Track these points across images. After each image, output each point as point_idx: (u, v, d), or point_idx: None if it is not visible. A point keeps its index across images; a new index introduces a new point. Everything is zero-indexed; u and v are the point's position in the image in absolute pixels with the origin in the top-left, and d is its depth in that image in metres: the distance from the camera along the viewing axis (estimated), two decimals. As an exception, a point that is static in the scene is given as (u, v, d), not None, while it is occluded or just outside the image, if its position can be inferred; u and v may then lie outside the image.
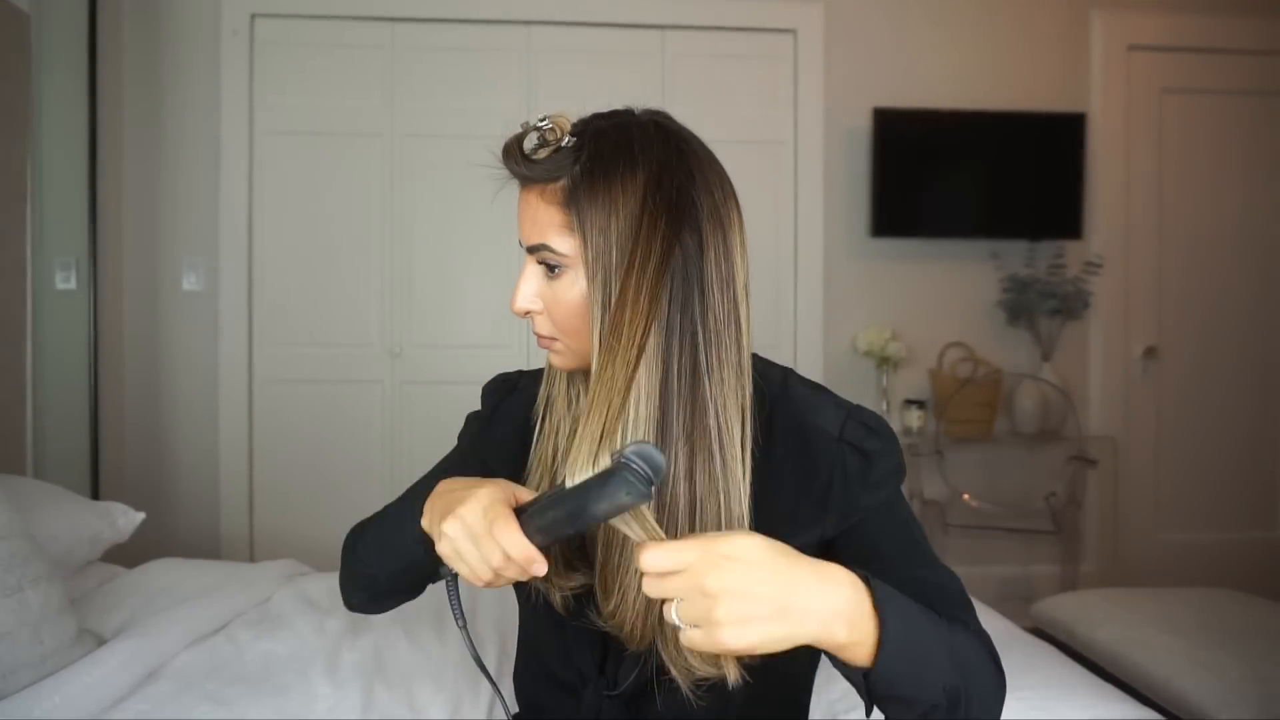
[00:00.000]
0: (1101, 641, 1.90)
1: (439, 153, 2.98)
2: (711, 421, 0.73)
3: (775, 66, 3.11)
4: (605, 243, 0.72)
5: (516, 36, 3.02)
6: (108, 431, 2.77)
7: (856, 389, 3.07)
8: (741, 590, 0.57)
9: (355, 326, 3.01)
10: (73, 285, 2.69)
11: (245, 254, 2.95)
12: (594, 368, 0.72)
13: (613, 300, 0.72)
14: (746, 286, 0.77)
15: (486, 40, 3.01)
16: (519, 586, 0.87)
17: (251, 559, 2.96)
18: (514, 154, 0.76)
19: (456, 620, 0.74)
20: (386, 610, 0.94)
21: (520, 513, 0.68)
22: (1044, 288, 3.06)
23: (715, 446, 0.73)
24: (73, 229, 2.66)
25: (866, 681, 0.63)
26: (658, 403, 0.71)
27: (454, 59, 3.01)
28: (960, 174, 3.10)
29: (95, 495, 2.67)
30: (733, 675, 0.67)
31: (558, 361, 0.82)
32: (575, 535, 0.67)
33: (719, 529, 0.72)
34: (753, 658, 0.63)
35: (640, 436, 0.70)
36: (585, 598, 0.81)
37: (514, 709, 1.08)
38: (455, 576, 0.74)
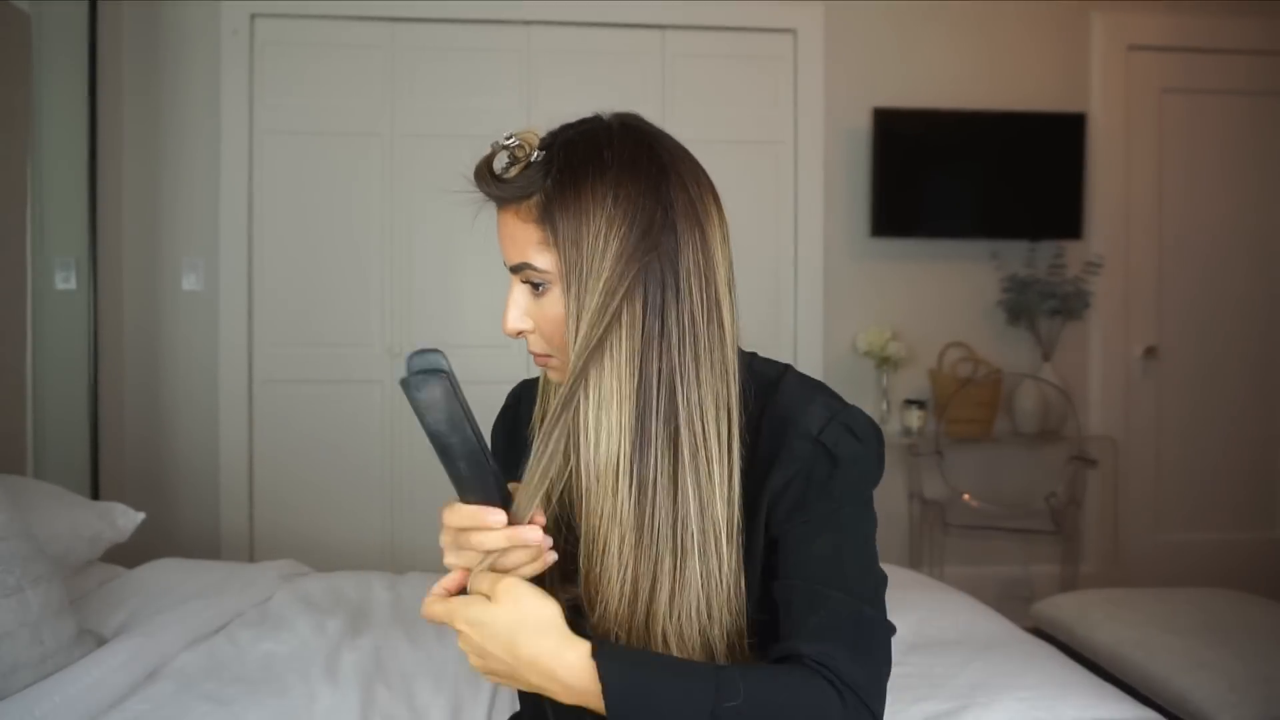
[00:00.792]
0: (1101, 641, 1.90)
1: (439, 153, 2.98)
2: (690, 425, 0.72)
3: (775, 66, 3.11)
4: (578, 254, 0.72)
5: (516, 36, 3.02)
6: (108, 431, 2.77)
7: (856, 389, 3.07)
8: (480, 650, 0.69)
9: (355, 326, 3.01)
10: (73, 285, 2.69)
11: (245, 254, 2.95)
12: (567, 377, 0.72)
13: (584, 310, 0.71)
14: (730, 283, 0.77)
15: (486, 40, 3.01)
16: None
17: (251, 559, 2.96)
18: (484, 176, 0.76)
19: None
20: None
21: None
22: (1044, 288, 3.05)
23: (694, 449, 0.72)
24: (73, 229, 2.66)
25: None
26: (634, 408, 0.71)
27: (454, 59, 3.01)
28: (960, 174, 3.10)
29: (95, 495, 2.67)
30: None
31: (555, 377, 0.82)
32: (479, 468, 0.68)
33: (700, 532, 0.72)
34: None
35: (616, 445, 0.72)
36: (582, 610, 0.81)
37: (515, 708, 1.07)
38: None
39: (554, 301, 0.75)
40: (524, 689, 0.70)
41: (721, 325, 0.75)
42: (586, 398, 0.71)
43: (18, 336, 2.46)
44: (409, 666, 1.45)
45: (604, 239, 0.71)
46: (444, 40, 3.00)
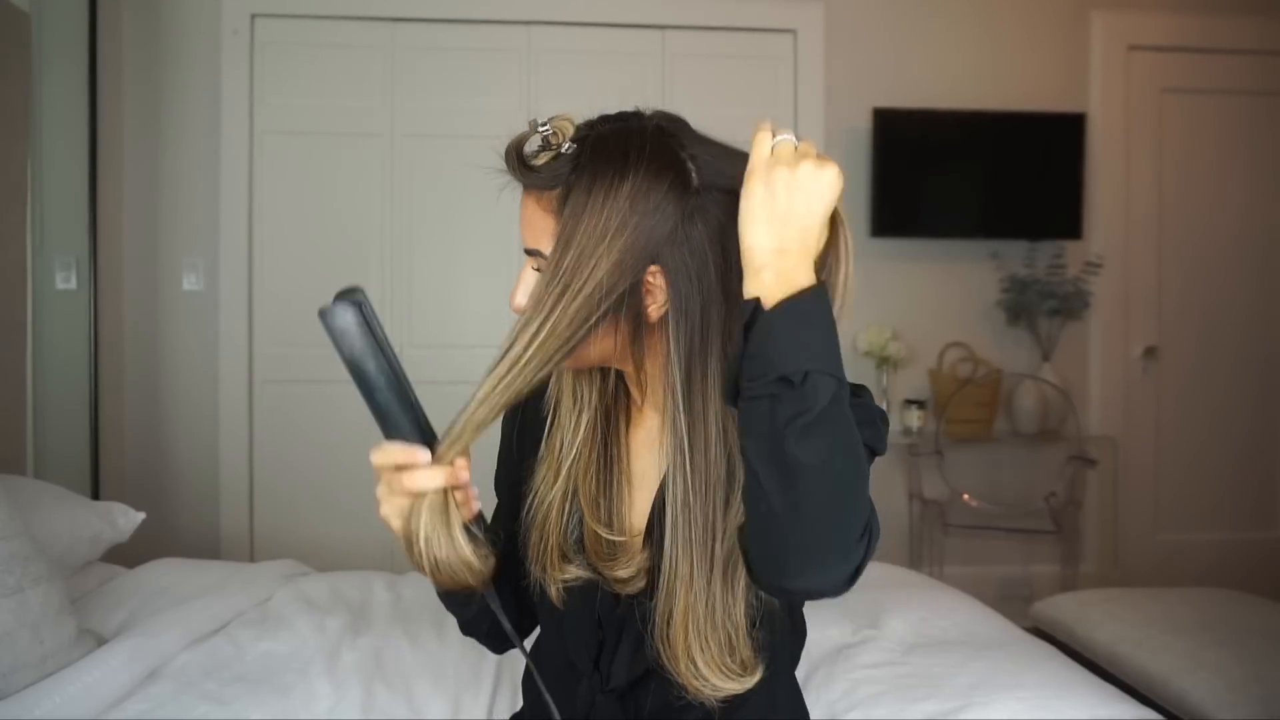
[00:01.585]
0: (1101, 641, 1.90)
1: (439, 153, 2.98)
2: (711, 431, 0.74)
3: (775, 66, 3.11)
4: (593, 257, 0.72)
5: (516, 36, 3.02)
6: (108, 431, 2.77)
7: (856, 389, 3.07)
8: (782, 214, 0.68)
9: (355, 326, 3.00)
10: (73, 285, 2.69)
11: (245, 254, 2.95)
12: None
13: (558, 307, 0.71)
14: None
15: (486, 40, 3.01)
16: (520, 576, 0.87)
17: (251, 559, 2.96)
18: (513, 159, 0.76)
19: (511, 636, 0.78)
20: (510, 647, 0.94)
21: None
22: (1044, 288, 3.06)
23: (717, 459, 0.74)
24: (73, 229, 2.66)
25: (754, 321, 0.65)
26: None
27: (454, 59, 3.01)
28: (960, 174, 3.10)
29: (95, 495, 2.67)
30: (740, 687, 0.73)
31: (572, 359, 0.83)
32: (400, 401, 0.69)
33: (723, 524, 0.74)
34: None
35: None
36: (582, 591, 0.82)
37: (518, 704, 1.08)
38: (494, 593, 0.77)
39: None
40: (791, 244, 0.67)
41: (725, 335, 0.74)
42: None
43: (18, 336, 2.46)
44: (409, 666, 1.45)
45: (606, 243, 0.71)
46: (444, 40, 3.00)
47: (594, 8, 3.01)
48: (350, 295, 0.67)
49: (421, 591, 1.80)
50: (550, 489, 0.83)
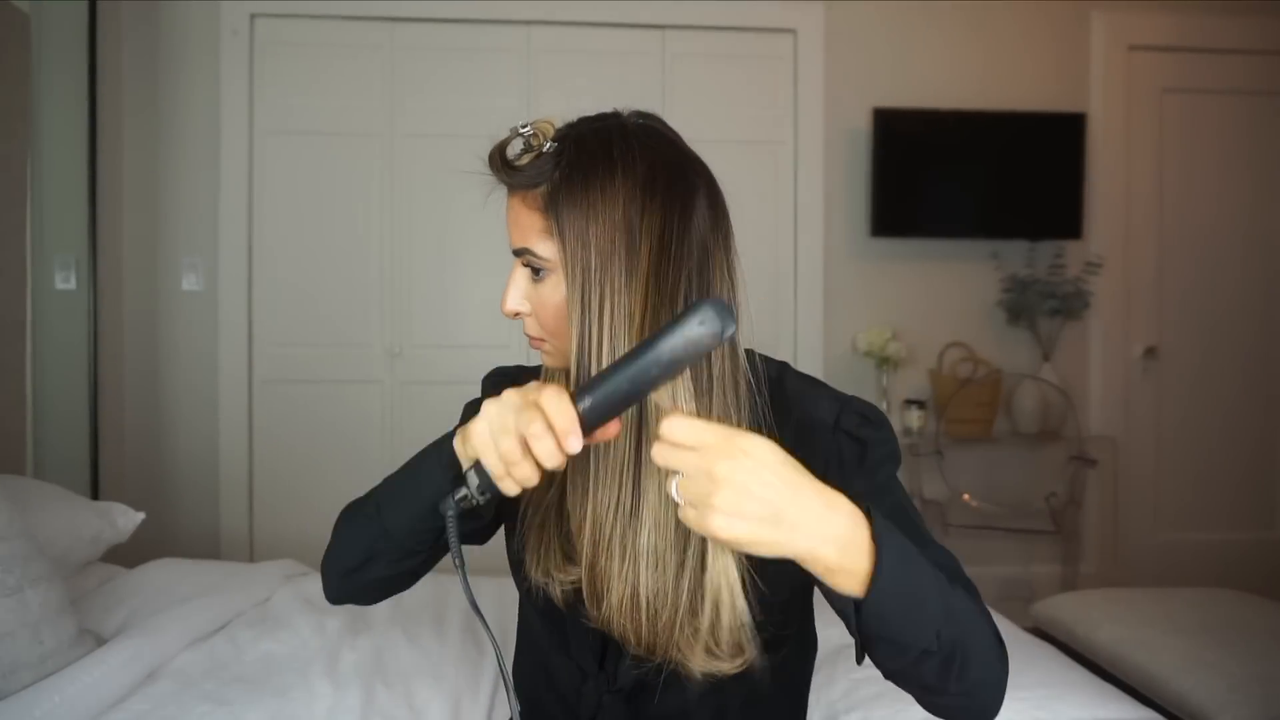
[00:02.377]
0: (1101, 641, 1.90)
1: (439, 153, 2.98)
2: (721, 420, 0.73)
3: (775, 66, 3.11)
4: (584, 248, 0.73)
5: (516, 36, 3.02)
6: (108, 431, 2.77)
7: (856, 389, 3.04)
8: (744, 484, 0.58)
9: (355, 326, 3.01)
10: (73, 285, 2.69)
11: (245, 254, 2.95)
12: (576, 370, 0.73)
13: (594, 304, 0.72)
14: (736, 283, 0.78)
15: (486, 40, 3.01)
16: (521, 579, 0.87)
17: (251, 559, 2.96)
18: (497, 161, 0.77)
19: (454, 559, 0.72)
20: (374, 597, 0.90)
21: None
22: (1044, 288, 3.05)
23: None
24: (73, 229, 2.66)
25: (858, 614, 0.63)
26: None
27: (454, 59, 3.01)
28: (960, 174, 3.10)
29: (95, 495, 2.67)
30: (728, 668, 0.72)
31: (548, 361, 0.83)
32: (627, 405, 0.64)
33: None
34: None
35: (624, 441, 0.72)
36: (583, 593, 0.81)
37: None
38: (457, 512, 0.71)
39: (551, 288, 0.77)
40: (767, 547, 0.59)
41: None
42: None
43: (18, 336, 2.46)
44: (409, 666, 1.45)
45: (611, 236, 0.72)
46: (444, 40, 3.00)
47: (594, 8, 3.01)
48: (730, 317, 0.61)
49: (421, 591, 1.80)
50: (548, 491, 0.82)
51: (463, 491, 0.70)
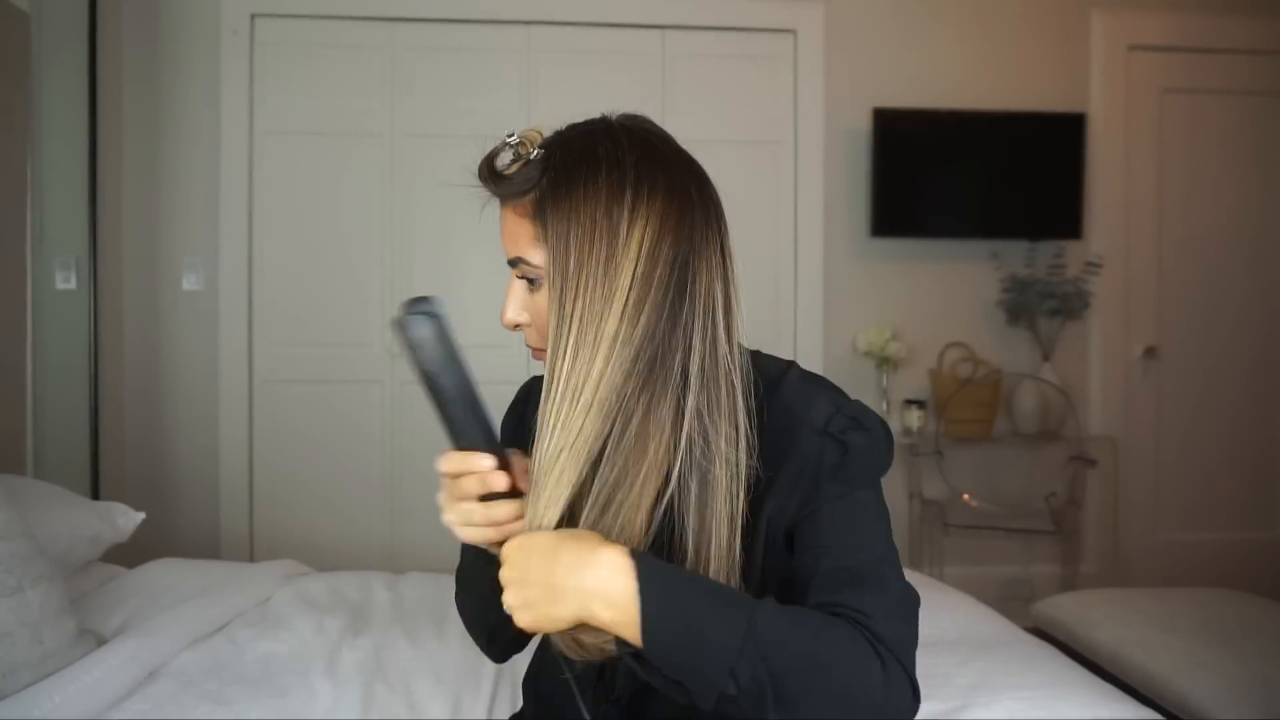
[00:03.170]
0: (1101, 641, 1.90)
1: (439, 153, 2.98)
2: (695, 426, 0.72)
3: (775, 66, 3.11)
4: (566, 251, 0.72)
5: (516, 36, 3.02)
6: (108, 431, 2.77)
7: (856, 389, 3.07)
8: (518, 579, 0.67)
9: (355, 326, 3.01)
10: (73, 285, 2.69)
11: (245, 254, 2.95)
12: (548, 376, 0.72)
13: (568, 305, 0.71)
14: (732, 284, 0.77)
15: (486, 40, 3.01)
16: None
17: (251, 559, 2.96)
18: (485, 172, 0.77)
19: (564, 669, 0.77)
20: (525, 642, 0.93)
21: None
22: (1044, 288, 3.06)
23: (703, 450, 0.72)
24: (73, 229, 2.66)
25: (640, 662, 0.64)
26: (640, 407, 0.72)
27: (454, 59, 3.01)
28: (960, 174, 3.10)
29: (95, 495, 2.67)
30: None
31: None
32: (471, 411, 0.71)
33: (711, 534, 0.72)
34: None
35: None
36: None
37: (518, 704, 1.07)
38: (575, 675, 0.77)
39: (546, 297, 0.76)
40: (553, 625, 0.66)
41: (730, 325, 0.75)
42: (575, 399, 0.71)
43: (18, 336, 2.46)
44: (409, 666, 1.45)
45: (591, 238, 0.71)
46: (444, 40, 3.00)
47: (594, 8, 3.01)
48: (425, 306, 0.67)
49: (421, 591, 1.80)
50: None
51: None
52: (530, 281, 0.78)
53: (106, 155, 2.78)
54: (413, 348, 0.67)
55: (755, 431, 0.76)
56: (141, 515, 1.88)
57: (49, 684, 1.22)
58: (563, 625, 0.66)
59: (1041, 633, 2.07)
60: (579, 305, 0.71)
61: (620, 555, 0.64)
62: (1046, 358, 3.12)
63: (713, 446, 0.72)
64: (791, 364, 0.84)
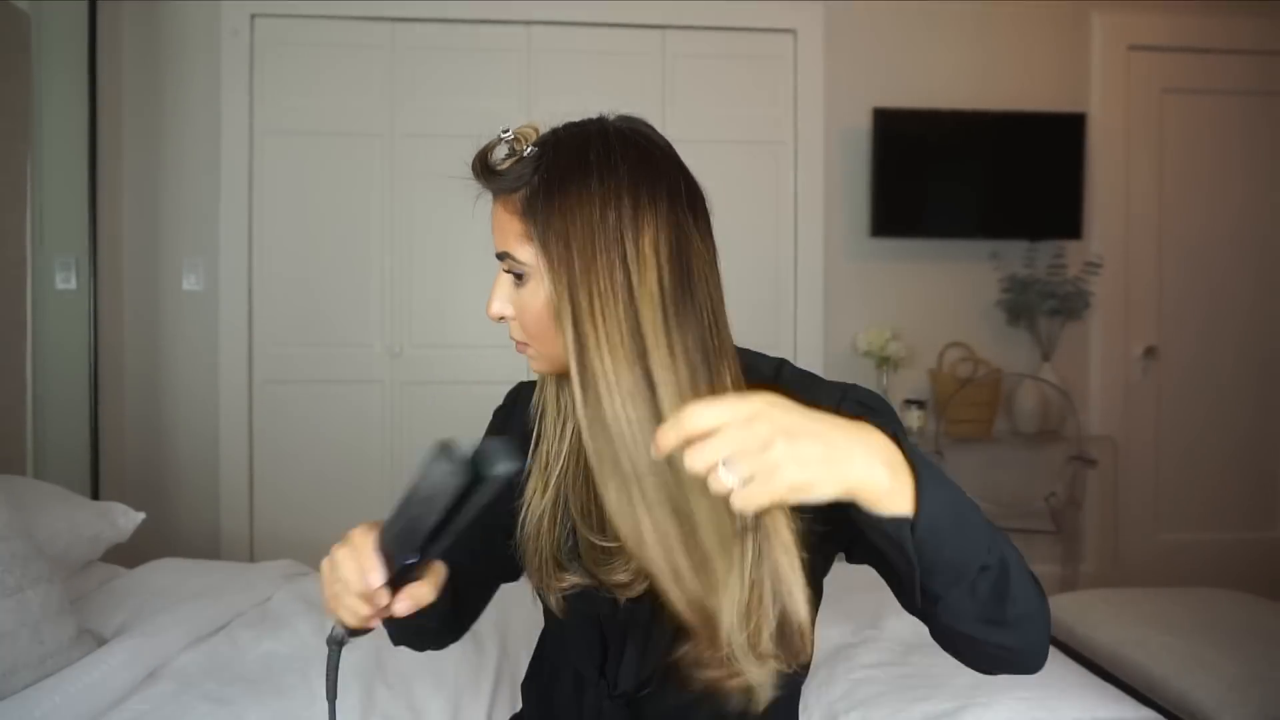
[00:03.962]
0: (1101, 641, 1.90)
1: (439, 153, 2.98)
2: None
3: (775, 66, 3.10)
4: (565, 250, 0.72)
5: (516, 36, 3.02)
6: (108, 432, 2.77)
7: (856, 389, 3.07)
8: (792, 431, 0.56)
9: (355, 326, 3.01)
10: (73, 285, 2.69)
11: (245, 254, 2.95)
12: (574, 375, 0.72)
13: (584, 306, 0.71)
14: (715, 286, 0.77)
15: (486, 40, 3.01)
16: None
17: (251, 559, 2.96)
18: (478, 166, 0.78)
19: (328, 693, 0.75)
20: (432, 648, 0.92)
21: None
22: (1044, 288, 3.05)
23: None
24: (73, 229, 2.66)
25: (914, 534, 0.59)
26: (647, 403, 0.71)
27: (454, 59, 3.01)
28: (960, 174, 3.10)
29: (95, 495, 2.67)
30: (759, 678, 0.69)
31: (535, 366, 0.83)
32: (417, 542, 0.65)
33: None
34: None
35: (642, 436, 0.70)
36: (582, 598, 0.81)
37: (518, 705, 1.08)
38: (339, 645, 0.74)
39: (531, 293, 0.77)
40: (833, 485, 0.57)
41: (717, 323, 0.75)
42: (597, 393, 0.70)
43: (18, 336, 2.46)
44: (409, 666, 1.45)
45: (591, 237, 0.72)
46: (444, 40, 3.00)
47: (594, 8, 3.01)
48: (471, 459, 0.61)
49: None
50: (540, 500, 0.83)
51: (334, 629, 0.73)
52: (517, 276, 0.78)
53: (106, 155, 2.78)
54: (425, 476, 0.61)
55: None
56: (141, 515, 1.88)
57: (49, 684, 1.22)
58: (834, 489, 0.57)
59: (1041, 633, 2.06)
60: (596, 304, 0.71)
61: (876, 426, 0.61)
62: (1046, 358, 3.12)
63: None
64: (784, 361, 0.85)
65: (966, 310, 3.17)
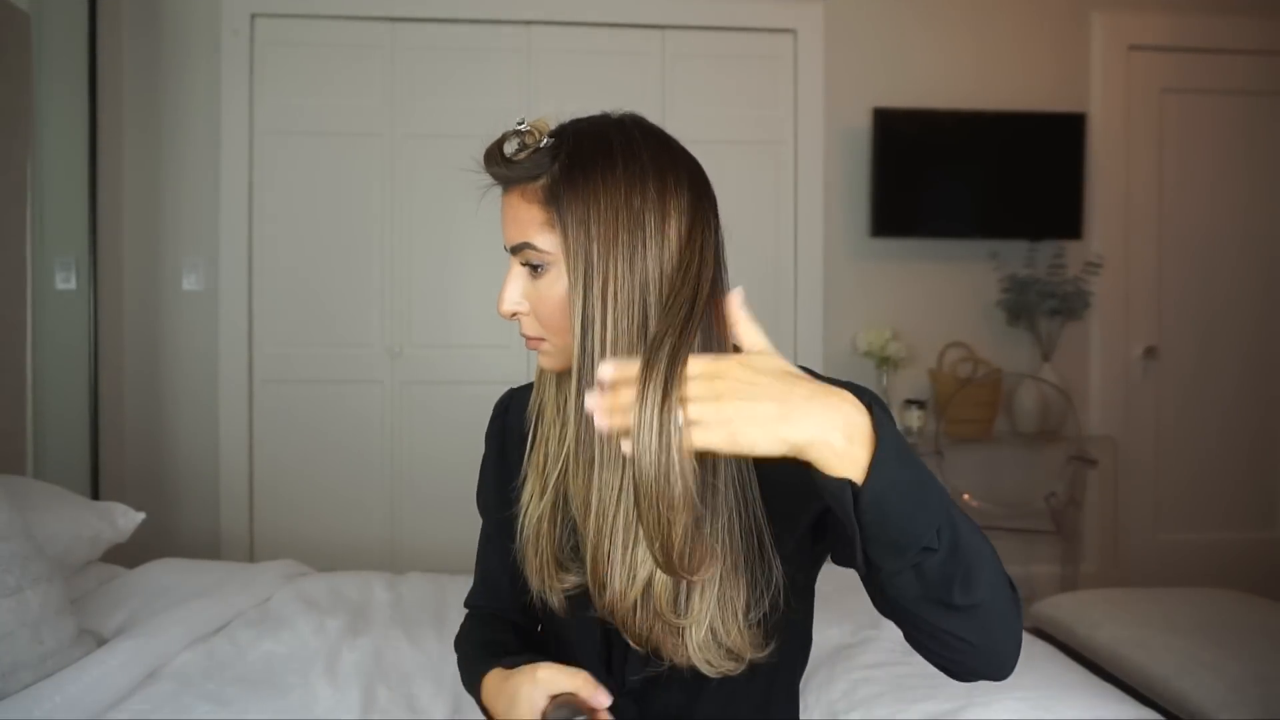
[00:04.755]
0: (1101, 641, 1.90)
1: (439, 153, 2.98)
2: None
3: (775, 66, 3.10)
4: (587, 237, 0.73)
5: (516, 36, 3.02)
6: (108, 431, 2.77)
7: (856, 389, 3.07)
8: (754, 384, 0.59)
9: (355, 326, 3.01)
10: (73, 285, 2.69)
11: (245, 254, 2.95)
12: (574, 367, 0.73)
13: (596, 290, 0.72)
14: (725, 281, 0.79)
15: (486, 40, 3.01)
16: (523, 590, 0.88)
17: (251, 559, 2.96)
18: (494, 157, 0.78)
19: None
20: None
21: None
22: (1044, 288, 3.05)
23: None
24: (73, 229, 2.66)
25: (856, 503, 0.60)
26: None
27: (454, 59, 3.01)
28: (960, 174, 3.10)
29: (95, 495, 2.67)
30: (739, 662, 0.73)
31: (546, 363, 0.82)
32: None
33: (731, 531, 0.73)
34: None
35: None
36: (585, 598, 0.81)
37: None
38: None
39: (551, 283, 0.77)
40: (780, 442, 0.59)
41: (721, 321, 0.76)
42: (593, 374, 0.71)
43: (18, 336, 2.46)
44: (409, 666, 1.45)
45: (614, 225, 0.73)
46: (444, 40, 3.00)
47: (594, 8, 3.01)
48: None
49: (421, 591, 1.80)
50: (540, 502, 0.83)
51: None
52: (534, 268, 0.78)
53: (106, 155, 2.78)
54: None
55: None
56: (141, 515, 1.88)
57: (49, 684, 1.22)
58: (781, 445, 0.59)
59: (1041, 633, 2.07)
60: (610, 288, 0.72)
61: (856, 399, 0.62)
62: (1046, 358, 3.12)
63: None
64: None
65: (966, 310, 3.17)
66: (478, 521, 1.00)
